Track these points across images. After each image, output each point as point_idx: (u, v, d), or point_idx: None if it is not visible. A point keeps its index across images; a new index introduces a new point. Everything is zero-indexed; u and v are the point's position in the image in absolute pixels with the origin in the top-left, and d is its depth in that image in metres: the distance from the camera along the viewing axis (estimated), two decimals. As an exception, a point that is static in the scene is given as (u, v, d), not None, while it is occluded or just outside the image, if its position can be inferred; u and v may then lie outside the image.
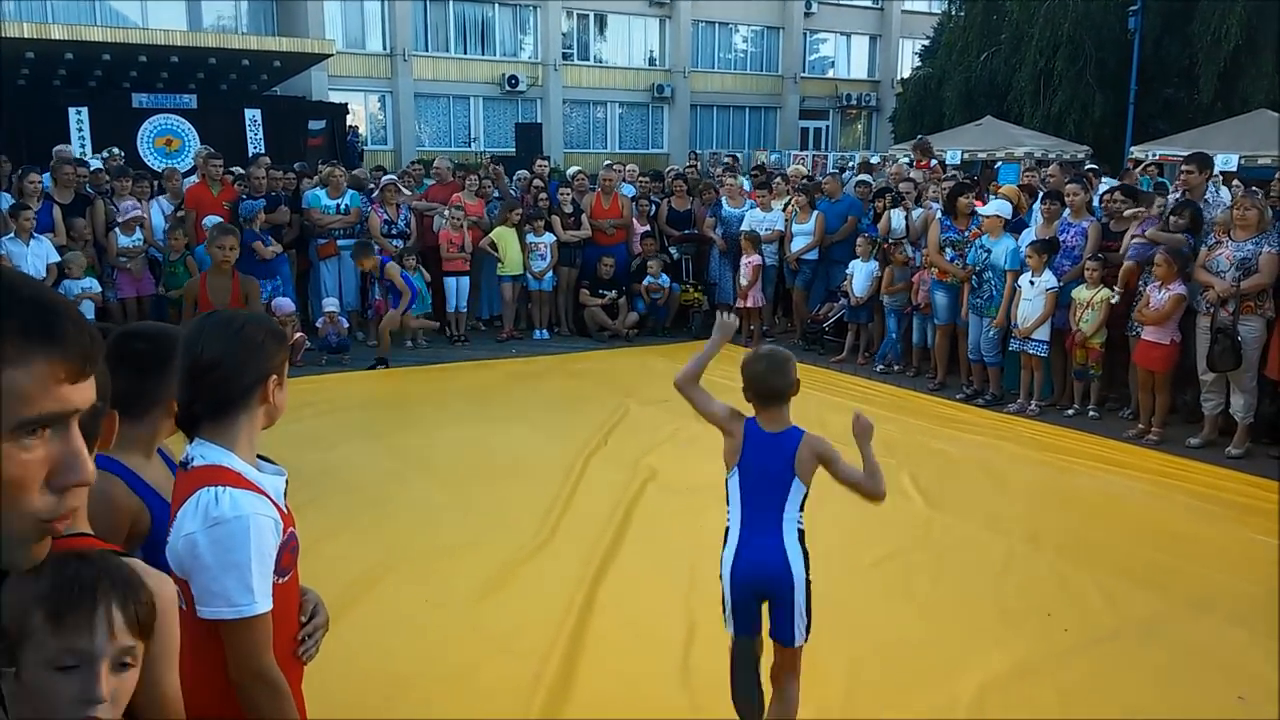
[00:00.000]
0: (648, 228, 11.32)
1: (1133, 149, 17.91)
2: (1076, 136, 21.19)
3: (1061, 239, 7.95)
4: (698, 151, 25.22)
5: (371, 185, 11.03)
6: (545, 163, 13.06)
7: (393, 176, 11.37)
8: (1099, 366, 7.70)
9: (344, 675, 3.56)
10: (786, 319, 11.46)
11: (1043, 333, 7.77)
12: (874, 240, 9.53)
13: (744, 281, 10.39)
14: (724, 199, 11.29)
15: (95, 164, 10.93)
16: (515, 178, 12.37)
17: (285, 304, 9.30)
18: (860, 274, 9.52)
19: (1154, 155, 15.75)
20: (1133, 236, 7.59)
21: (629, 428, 7.41)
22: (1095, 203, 8.56)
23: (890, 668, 3.97)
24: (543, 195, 11.22)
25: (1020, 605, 4.56)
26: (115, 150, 11.74)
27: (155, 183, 10.29)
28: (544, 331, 11.00)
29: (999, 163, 17.44)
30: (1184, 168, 7.85)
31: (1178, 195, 7.90)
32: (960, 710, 3.68)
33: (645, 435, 7.20)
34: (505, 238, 10.57)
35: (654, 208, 11.58)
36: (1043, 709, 3.70)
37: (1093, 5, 22.35)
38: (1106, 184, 10.36)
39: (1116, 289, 7.41)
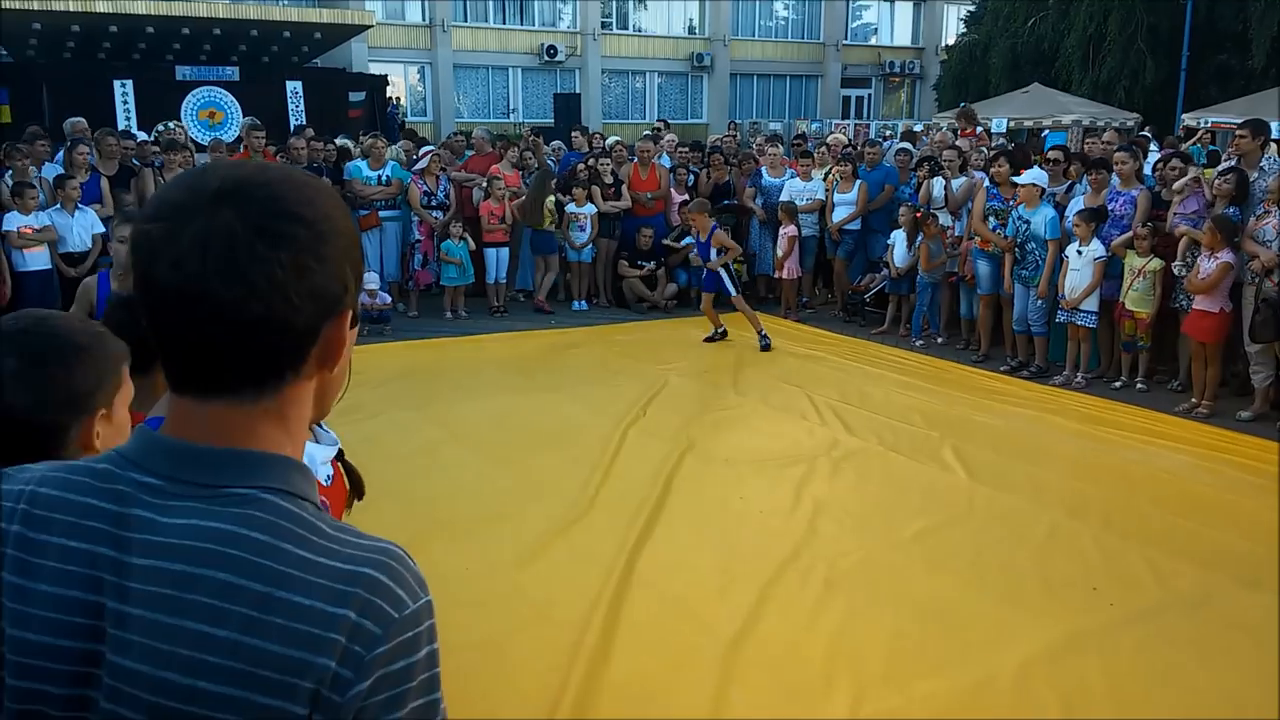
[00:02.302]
0: (685, 197, 11.23)
1: (1184, 116, 17.49)
2: (1126, 104, 20.71)
3: (1110, 208, 7.79)
4: (737, 121, 25.01)
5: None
6: (584, 134, 13.00)
7: (433, 147, 11.38)
8: (1147, 338, 7.55)
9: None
10: (827, 290, 11.36)
11: (1091, 303, 7.63)
12: (915, 209, 9.41)
13: (779, 253, 10.31)
14: (764, 169, 11.18)
15: (142, 136, 11.03)
16: (552, 147, 12.34)
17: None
18: (901, 245, 9.39)
19: (1206, 123, 15.37)
20: (1175, 213, 7.41)
21: (667, 399, 7.40)
22: (1147, 170, 8.37)
23: (933, 640, 3.94)
24: (581, 165, 11.16)
25: (1064, 579, 4.50)
26: (172, 124, 11.82)
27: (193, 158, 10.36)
28: (583, 303, 10.99)
29: (1046, 130, 17.12)
30: (1238, 133, 7.65)
31: (1232, 162, 7.70)
32: (1004, 683, 3.65)
33: (684, 406, 7.18)
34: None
35: (692, 178, 11.50)
36: (1088, 683, 3.65)
37: (1144, -32, 21.77)
38: (1155, 151, 10.14)
39: (1179, 263, 7.24)
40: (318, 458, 1.94)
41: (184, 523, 0.92)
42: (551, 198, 10.59)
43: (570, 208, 10.67)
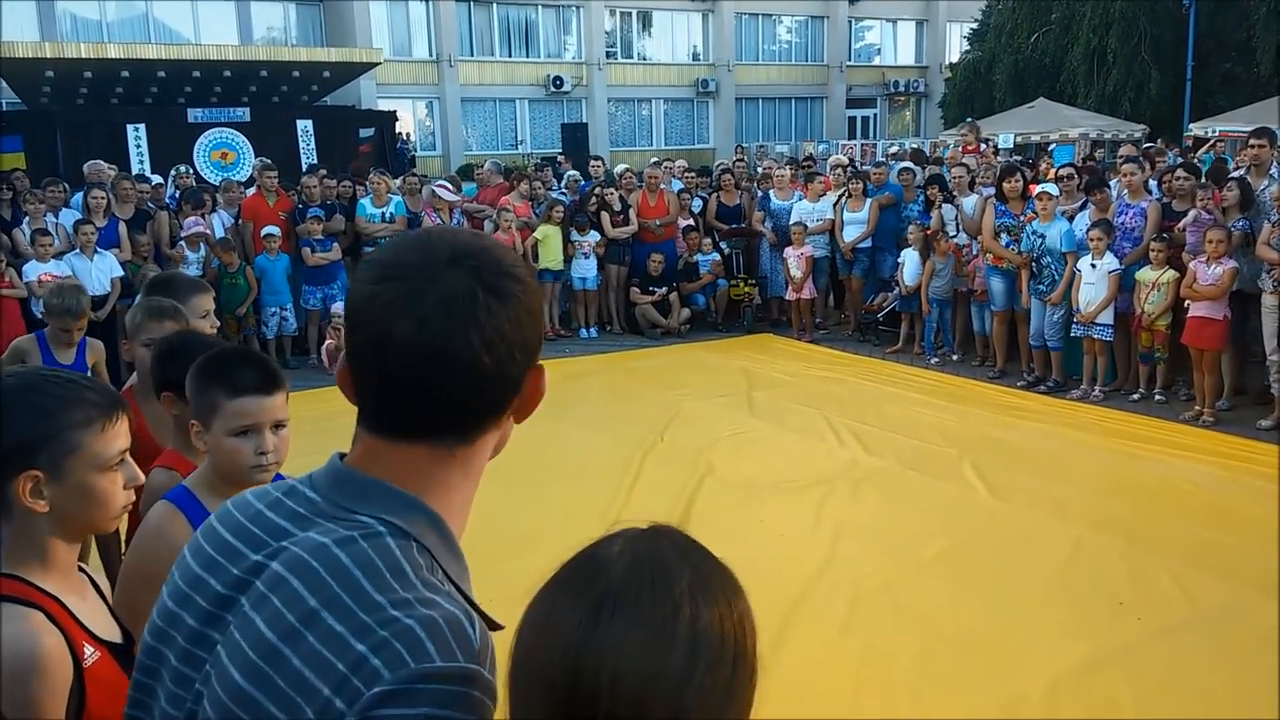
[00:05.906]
0: (690, 222, 11.26)
1: (1191, 126, 17.51)
2: (1132, 115, 20.78)
3: (1119, 220, 7.78)
4: (744, 145, 25.14)
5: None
6: (599, 163, 13.09)
7: (443, 182, 11.47)
8: (1164, 349, 7.53)
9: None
10: (839, 310, 11.36)
11: (1107, 316, 7.61)
12: (925, 228, 9.42)
13: (797, 273, 10.31)
14: (772, 192, 11.22)
15: (156, 179, 11.15)
16: (566, 179, 12.44)
17: (342, 307, 9.43)
18: (912, 263, 9.40)
19: (1214, 131, 15.38)
20: (1189, 230, 7.40)
21: (684, 424, 7.40)
22: (1153, 182, 8.37)
23: (959, 660, 3.92)
24: (595, 192, 11.21)
25: (1090, 594, 4.47)
26: (183, 169, 11.95)
27: (214, 196, 10.48)
28: (591, 330, 10.98)
29: (1053, 145, 17.16)
30: (1252, 141, 7.65)
31: (1243, 170, 7.70)
32: (1033, 702, 3.63)
33: (701, 431, 7.18)
34: (549, 235, 10.60)
35: (700, 204, 11.55)
36: (1117, 699, 3.63)
37: (1145, -20, 21.88)
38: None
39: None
40: None
41: (313, 539, 1.00)
42: (542, 227, 10.62)
43: (574, 236, 10.71)
